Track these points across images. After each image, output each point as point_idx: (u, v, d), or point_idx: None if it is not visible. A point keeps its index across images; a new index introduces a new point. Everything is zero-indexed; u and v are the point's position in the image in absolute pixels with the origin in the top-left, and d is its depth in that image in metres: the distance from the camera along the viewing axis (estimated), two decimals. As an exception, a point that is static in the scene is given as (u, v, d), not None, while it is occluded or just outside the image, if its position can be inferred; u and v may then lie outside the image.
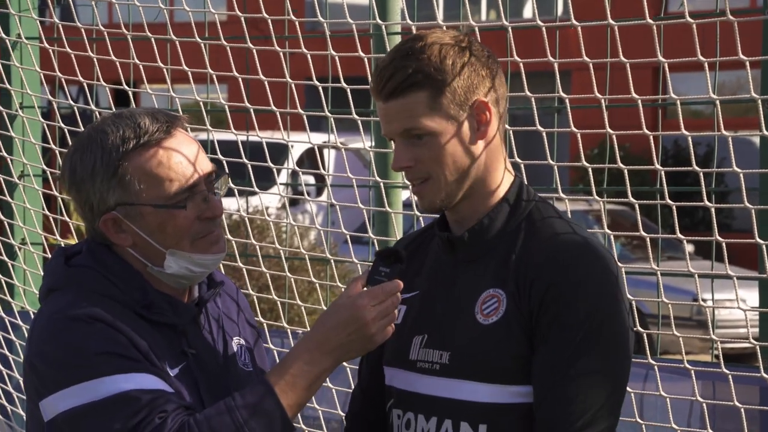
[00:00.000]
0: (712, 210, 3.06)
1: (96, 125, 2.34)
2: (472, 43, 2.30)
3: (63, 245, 2.63)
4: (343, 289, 2.32)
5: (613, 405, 2.25)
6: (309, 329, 2.33)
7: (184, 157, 2.31)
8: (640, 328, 3.37)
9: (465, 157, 2.29)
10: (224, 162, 3.97)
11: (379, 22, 3.62)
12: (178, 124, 2.34)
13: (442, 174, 2.28)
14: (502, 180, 2.33)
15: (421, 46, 2.27)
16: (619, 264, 3.16)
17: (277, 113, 3.87)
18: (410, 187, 2.34)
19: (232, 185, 2.42)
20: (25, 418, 4.94)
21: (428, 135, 2.27)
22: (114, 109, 4.18)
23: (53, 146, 4.66)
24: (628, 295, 3.18)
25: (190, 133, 2.38)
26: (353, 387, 2.55)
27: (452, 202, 2.31)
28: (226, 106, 4.05)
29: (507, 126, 2.63)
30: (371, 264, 2.32)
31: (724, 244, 3.12)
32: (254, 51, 3.86)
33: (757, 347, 3.19)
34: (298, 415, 2.34)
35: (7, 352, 4.96)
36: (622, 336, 2.25)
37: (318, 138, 9.16)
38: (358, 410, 2.49)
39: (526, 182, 2.39)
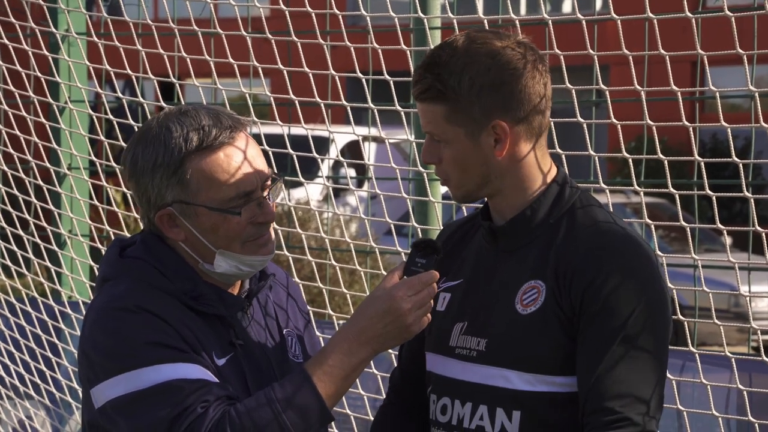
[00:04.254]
0: (751, 200, 3.09)
1: (161, 120, 2.37)
2: (503, 53, 2.26)
3: (111, 235, 2.69)
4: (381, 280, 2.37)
5: (657, 393, 2.26)
6: (347, 319, 2.37)
7: (243, 162, 2.34)
8: (681, 317, 3.40)
9: (483, 166, 2.31)
10: (270, 153, 4.03)
11: (421, 15, 3.67)
12: (241, 127, 2.37)
13: (459, 177, 2.32)
14: (548, 172, 2.34)
15: (446, 58, 2.26)
16: (659, 253, 3.21)
17: (322, 105, 3.92)
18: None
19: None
20: (73, 405, 5.03)
21: (445, 142, 2.30)
22: (163, 102, 4.26)
23: (101, 138, 4.75)
24: (669, 285, 3.22)
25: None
26: (392, 370, 2.58)
27: (478, 197, 2.34)
28: (271, 98, 4.11)
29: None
30: (408, 254, 2.37)
31: (764, 235, 3.14)
32: (298, 44, 3.92)
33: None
34: (343, 400, 2.38)
35: (56, 340, 5.05)
36: (663, 325, 2.27)
37: (359, 131, 9.21)
38: (396, 389, 2.53)
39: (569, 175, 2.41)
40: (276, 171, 2.44)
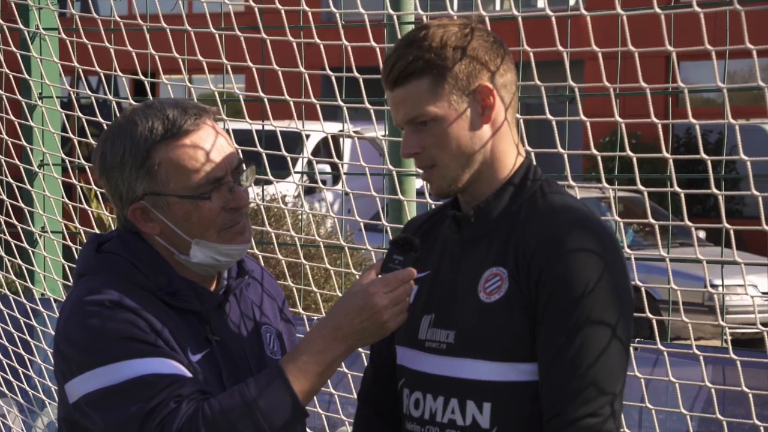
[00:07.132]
0: (721, 197, 3.10)
1: (127, 115, 2.39)
2: (476, 29, 2.33)
3: (83, 232, 2.68)
4: (358, 277, 2.36)
5: (617, 373, 2.25)
6: (324, 316, 2.37)
7: (210, 148, 2.34)
8: (650, 315, 3.41)
9: (470, 141, 2.32)
10: (239, 151, 4.02)
11: (392, 12, 3.67)
12: (206, 115, 2.37)
13: (446, 159, 2.32)
14: (513, 162, 2.36)
15: (423, 34, 2.32)
16: (629, 251, 3.22)
17: (291, 103, 3.91)
18: (420, 173, 2.39)
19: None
20: (46, 402, 5.01)
21: (432, 121, 2.31)
22: (131, 99, 4.24)
23: (72, 136, 4.73)
24: (638, 282, 3.23)
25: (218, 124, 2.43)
26: (365, 367, 2.58)
27: (460, 186, 2.34)
28: (241, 96, 4.10)
29: (519, 115, 2.66)
30: (386, 252, 2.36)
31: (732, 231, 3.16)
32: (269, 41, 3.91)
33: (765, 333, 3.22)
34: (314, 399, 2.38)
35: (29, 338, 5.03)
36: (621, 304, 2.26)
37: (332, 127, 9.19)
38: (370, 390, 2.53)
39: (535, 163, 2.42)
40: (253, 163, 2.44)
